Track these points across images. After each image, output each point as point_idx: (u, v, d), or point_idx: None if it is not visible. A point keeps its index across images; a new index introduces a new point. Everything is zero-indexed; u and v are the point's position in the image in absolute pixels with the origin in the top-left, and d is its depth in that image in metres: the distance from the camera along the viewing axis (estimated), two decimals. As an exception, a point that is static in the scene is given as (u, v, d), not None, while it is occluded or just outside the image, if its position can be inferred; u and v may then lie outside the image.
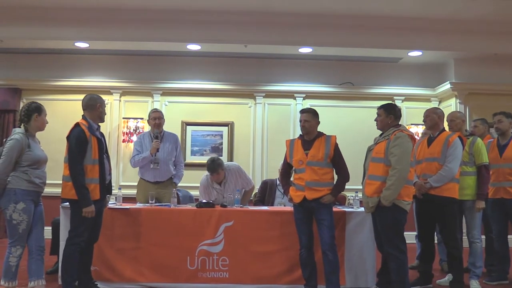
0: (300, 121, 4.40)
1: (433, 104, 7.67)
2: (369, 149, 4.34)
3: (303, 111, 4.44)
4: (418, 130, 7.30)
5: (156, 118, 5.43)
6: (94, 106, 4.13)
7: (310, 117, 4.37)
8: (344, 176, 4.33)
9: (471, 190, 4.68)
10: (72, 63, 7.54)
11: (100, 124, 4.23)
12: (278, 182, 5.75)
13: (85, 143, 3.94)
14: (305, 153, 4.33)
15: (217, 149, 7.52)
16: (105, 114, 4.26)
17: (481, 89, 7.35)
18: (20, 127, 4.04)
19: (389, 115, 4.20)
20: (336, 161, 4.32)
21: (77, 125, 4.02)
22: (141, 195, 5.39)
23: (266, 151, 7.62)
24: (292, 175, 4.55)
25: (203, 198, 5.13)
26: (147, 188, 5.31)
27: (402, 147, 3.96)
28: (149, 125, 5.58)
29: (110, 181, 4.31)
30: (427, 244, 4.68)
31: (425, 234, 4.69)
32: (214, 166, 5.05)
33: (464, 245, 4.71)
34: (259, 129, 7.65)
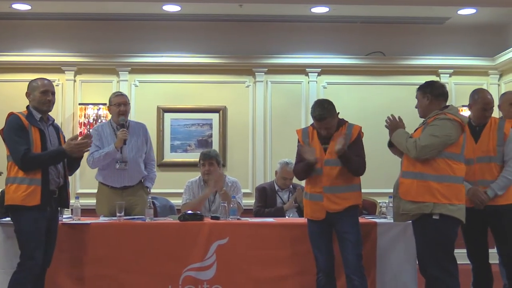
0: (318, 128, 4.37)
1: (492, 78, 7.71)
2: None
3: (319, 118, 4.29)
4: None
5: (121, 104, 5.42)
6: (28, 93, 4.36)
7: (330, 121, 4.31)
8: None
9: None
10: (8, 32, 7.51)
11: (50, 114, 4.39)
12: (277, 188, 5.83)
13: (23, 130, 4.11)
14: (323, 148, 4.37)
15: (205, 143, 7.56)
16: (44, 101, 4.28)
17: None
18: None
19: (425, 94, 4.25)
20: (353, 148, 4.33)
21: (10, 113, 4.26)
22: (103, 206, 5.38)
23: (270, 145, 7.66)
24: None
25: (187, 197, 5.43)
26: (112, 197, 5.32)
27: (438, 128, 4.02)
28: (110, 112, 5.59)
29: (65, 188, 4.38)
30: (481, 264, 4.65)
31: (476, 252, 4.66)
32: (210, 153, 5.50)
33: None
34: (260, 115, 7.68)
